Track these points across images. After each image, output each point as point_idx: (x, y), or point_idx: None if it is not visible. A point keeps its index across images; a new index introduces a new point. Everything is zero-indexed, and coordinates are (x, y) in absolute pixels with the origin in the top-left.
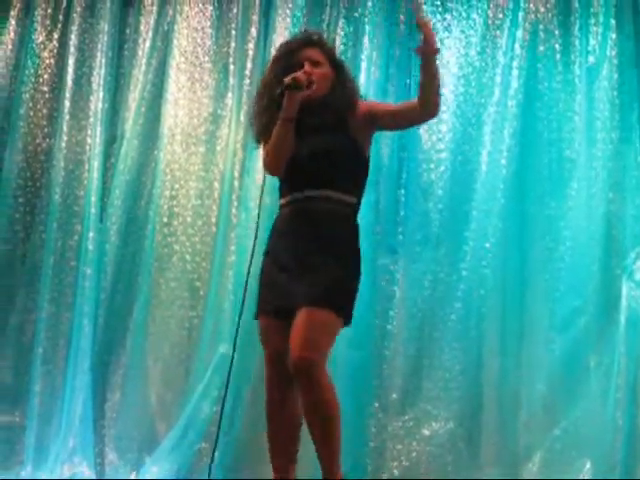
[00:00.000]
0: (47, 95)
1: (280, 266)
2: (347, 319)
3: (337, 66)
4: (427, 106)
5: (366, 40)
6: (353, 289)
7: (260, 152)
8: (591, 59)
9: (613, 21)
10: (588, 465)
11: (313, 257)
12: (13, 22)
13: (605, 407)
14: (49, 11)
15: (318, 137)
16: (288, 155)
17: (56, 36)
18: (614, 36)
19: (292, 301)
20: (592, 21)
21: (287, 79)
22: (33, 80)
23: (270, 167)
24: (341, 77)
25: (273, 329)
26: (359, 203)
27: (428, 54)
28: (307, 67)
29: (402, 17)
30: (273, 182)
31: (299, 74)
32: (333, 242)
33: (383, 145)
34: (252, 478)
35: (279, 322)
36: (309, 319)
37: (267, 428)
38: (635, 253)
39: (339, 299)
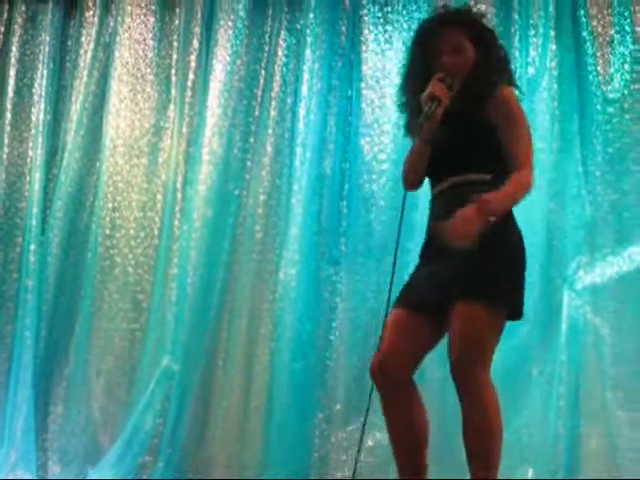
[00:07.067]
0: None
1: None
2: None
3: (480, 44)
4: None
5: (308, 52)
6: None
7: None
8: (531, 70)
9: (552, 32)
10: (530, 473)
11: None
12: None
13: (547, 415)
14: None
15: (447, 126)
16: (424, 170)
17: None
18: (554, 47)
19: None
20: (532, 32)
21: (426, 108)
22: None
23: (407, 184)
24: (483, 57)
25: None
26: (499, 175)
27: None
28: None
29: (344, 28)
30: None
31: (437, 92)
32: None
33: (325, 157)
34: None
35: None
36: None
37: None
38: (576, 262)
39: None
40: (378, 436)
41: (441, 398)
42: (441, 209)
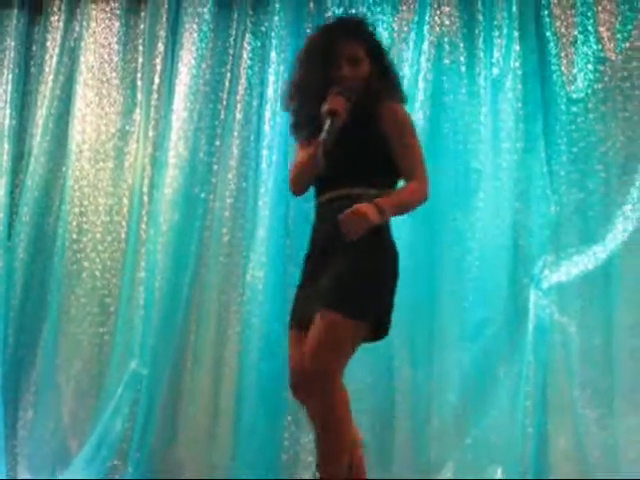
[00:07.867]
0: None
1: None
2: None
3: (374, 58)
4: None
5: (273, 54)
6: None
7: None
8: (495, 71)
9: (516, 33)
10: (499, 473)
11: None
12: None
13: (515, 415)
14: None
15: (340, 140)
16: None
17: None
18: (517, 48)
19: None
20: (496, 33)
21: (326, 124)
22: None
23: (294, 186)
24: (377, 70)
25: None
26: (386, 189)
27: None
28: (336, 100)
29: (309, 31)
30: (181, 196)
31: (337, 107)
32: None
33: (291, 159)
34: None
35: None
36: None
37: None
38: (542, 262)
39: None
40: None
41: (410, 399)
42: (326, 218)
